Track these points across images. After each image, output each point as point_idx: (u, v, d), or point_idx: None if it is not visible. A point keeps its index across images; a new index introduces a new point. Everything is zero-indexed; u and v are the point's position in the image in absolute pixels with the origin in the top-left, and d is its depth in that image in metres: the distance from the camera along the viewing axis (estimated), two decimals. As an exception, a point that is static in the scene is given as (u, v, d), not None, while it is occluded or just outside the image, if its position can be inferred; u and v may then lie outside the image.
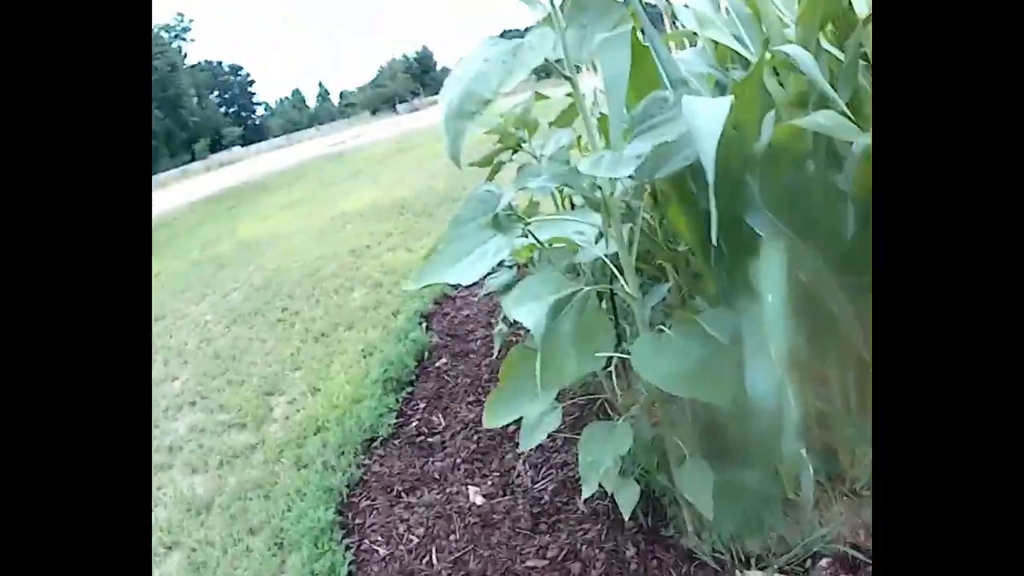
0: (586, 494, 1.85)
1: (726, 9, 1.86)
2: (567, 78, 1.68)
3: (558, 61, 1.66)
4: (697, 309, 1.93)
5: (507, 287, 2.54)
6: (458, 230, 1.81)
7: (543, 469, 2.77)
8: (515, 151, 2.85)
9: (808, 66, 1.54)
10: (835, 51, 1.82)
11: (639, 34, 1.71)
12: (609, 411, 2.73)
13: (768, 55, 1.64)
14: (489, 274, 2.48)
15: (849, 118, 1.83)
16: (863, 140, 1.50)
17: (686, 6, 2.02)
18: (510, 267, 2.68)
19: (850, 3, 1.89)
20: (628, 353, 1.71)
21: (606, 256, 1.82)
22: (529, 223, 1.88)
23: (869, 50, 1.82)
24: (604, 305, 2.30)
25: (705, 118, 1.30)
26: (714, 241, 1.34)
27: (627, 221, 1.83)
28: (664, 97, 1.62)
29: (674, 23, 2.30)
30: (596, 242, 1.89)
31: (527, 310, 1.59)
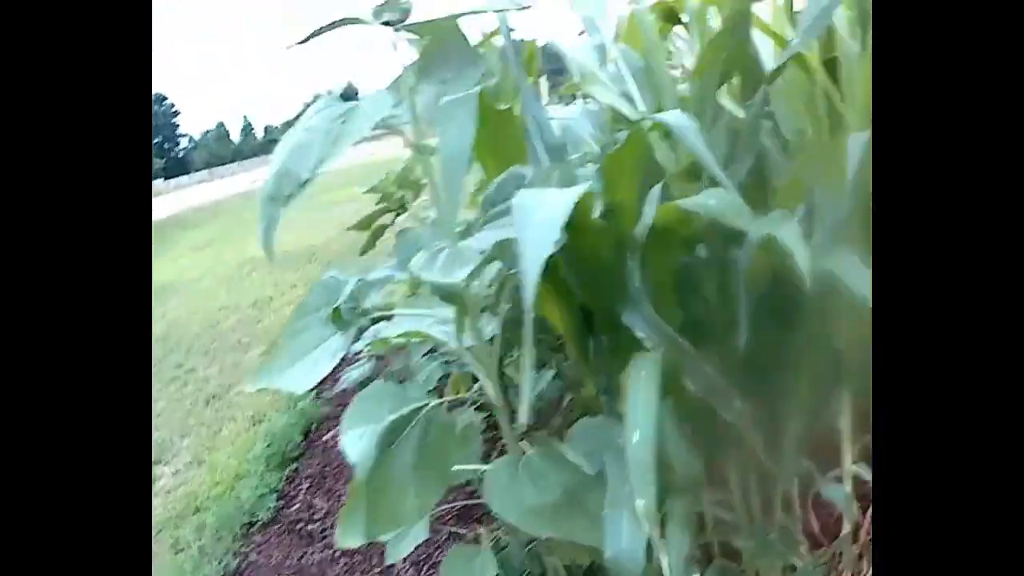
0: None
1: (615, 61, 1.62)
2: (415, 147, 1.42)
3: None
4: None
5: (363, 384, 2.26)
6: (300, 322, 1.53)
7: (424, 568, 2.51)
8: (398, 213, 2.60)
9: (689, 137, 1.29)
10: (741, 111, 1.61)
11: (489, 96, 1.45)
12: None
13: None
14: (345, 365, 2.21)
15: (751, 195, 1.62)
16: (759, 227, 1.26)
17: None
18: (369, 358, 2.40)
19: (754, 55, 1.69)
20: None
21: (468, 351, 1.57)
22: (378, 316, 1.61)
23: (777, 108, 1.62)
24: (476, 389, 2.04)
25: (532, 224, 1.05)
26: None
27: (492, 313, 1.58)
28: (521, 175, 1.37)
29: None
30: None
31: (356, 436, 1.34)
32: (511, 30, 1.69)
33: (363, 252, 2.60)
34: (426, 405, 1.41)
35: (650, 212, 1.34)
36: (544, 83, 3.12)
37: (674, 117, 1.32)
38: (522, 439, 1.54)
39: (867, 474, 1.78)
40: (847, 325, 1.59)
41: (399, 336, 1.74)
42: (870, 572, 1.89)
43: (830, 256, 1.32)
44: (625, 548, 1.22)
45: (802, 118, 1.55)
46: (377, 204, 2.46)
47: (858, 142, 1.33)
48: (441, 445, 1.40)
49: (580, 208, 1.24)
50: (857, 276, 1.25)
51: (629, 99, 1.61)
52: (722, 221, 1.31)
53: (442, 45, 1.45)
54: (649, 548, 1.29)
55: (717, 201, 1.28)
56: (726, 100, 1.75)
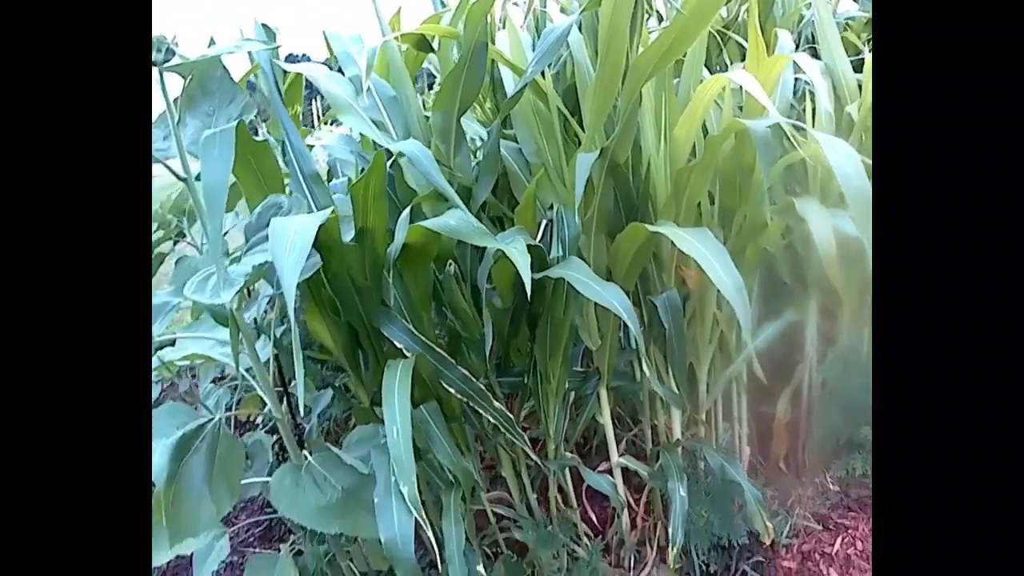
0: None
1: (367, 92, 1.90)
2: (181, 179, 1.65)
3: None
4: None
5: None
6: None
7: (232, 586, 2.70)
8: (176, 241, 2.79)
9: (423, 164, 1.60)
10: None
11: (254, 127, 1.71)
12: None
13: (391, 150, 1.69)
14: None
15: (494, 212, 1.95)
16: (492, 243, 1.56)
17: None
18: (155, 383, 2.60)
19: (497, 82, 2.01)
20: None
21: (247, 372, 1.80)
22: (162, 343, 1.84)
23: (519, 131, 1.94)
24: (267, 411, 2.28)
25: (284, 245, 1.32)
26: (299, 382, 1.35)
27: (267, 337, 1.83)
28: (279, 203, 1.63)
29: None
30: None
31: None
32: (277, 60, 1.94)
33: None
34: (211, 420, 1.64)
35: (401, 233, 1.64)
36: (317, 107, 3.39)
37: (409, 145, 1.63)
38: (303, 449, 1.79)
39: (634, 465, 2.14)
40: (590, 327, 1.95)
41: (183, 359, 1.95)
42: (651, 555, 2.25)
43: (567, 266, 1.66)
44: (397, 532, 1.50)
45: (540, 140, 1.88)
46: (154, 231, 2.63)
47: (584, 162, 1.68)
48: (230, 457, 1.63)
49: (329, 231, 1.53)
50: (590, 284, 1.59)
51: (382, 127, 1.90)
52: (461, 239, 1.62)
53: (204, 81, 1.70)
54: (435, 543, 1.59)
55: (456, 221, 1.59)
56: (476, 125, 2.09)
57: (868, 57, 2.16)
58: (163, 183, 1.92)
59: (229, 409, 2.85)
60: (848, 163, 1.46)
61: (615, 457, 2.11)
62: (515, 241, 1.54)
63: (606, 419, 2.06)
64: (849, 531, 2.33)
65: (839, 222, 1.71)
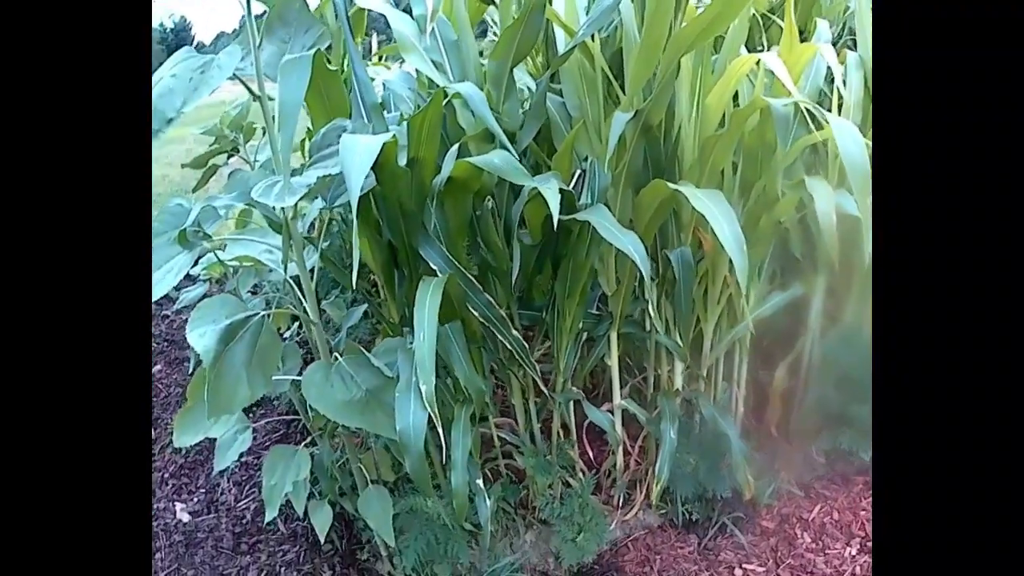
0: (269, 517, 2.07)
1: (430, 33, 2.12)
2: (256, 97, 1.89)
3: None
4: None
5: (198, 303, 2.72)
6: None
7: (247, 487, 2.96)
8: (230, 155, 3.04)
9: (477, 105, 1.83)
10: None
11: (326, 57, 1.93)
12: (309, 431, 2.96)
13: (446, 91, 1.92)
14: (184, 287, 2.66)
15: (535, 157, 2.18)
16: (532, 182, 1.78)
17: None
18: (204, 281, 2.85)
19: (550, 40, 2.23)
20: (306, 379, 1.93)
21: (291, 279, 2.05)
22: (215, 242, 2.08)
23: (565, 87, 2.16)
24: (294, 328, 2.53)
25: (353, 157, 1.55)
26: (355, 276, 1.58)
27: (314, 247, 2.07)
28: (343, 126, 1.86)
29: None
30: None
31: (200, 334, 1.78)
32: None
33: (195, 189, 3.00)
34: (257, 314, 1.88)
35: (448, 166, 1.87)
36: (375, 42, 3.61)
37: (466, 87, 1.86)
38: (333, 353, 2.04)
39: (634, 408, 2.38)
40: (608, 273, 2.18)
41: (232, 260, 2.20)
42: (640, 498, 2.49)
43: (593, 212, 1.89)
44: (411, 423, 1.75)
45: (583, 97, 2.11)
46: (211, 145, 2.88)
47: (620, 120, 1.90)
48: (269, 349, 1.87)
49: (386, 155, 1.76)
50: (612, 230, 1.82)
51: (440, 68, 2.13)
52: (503, 176, 1.84)
53: (283, 10, 1.93)
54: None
55: (500, 160, 1.82)
56: (527, 77, 2.31)
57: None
58: (219, 99, 2.14)
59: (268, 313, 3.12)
60: (853, 146, 1.68)
61: (617, 399, 2.35)
62: (549, 182, 1.76)
63: (613, 361, 2.30)
64: (828, 501, 2.57)
65: (844, 201, 1.93)
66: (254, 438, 3.06)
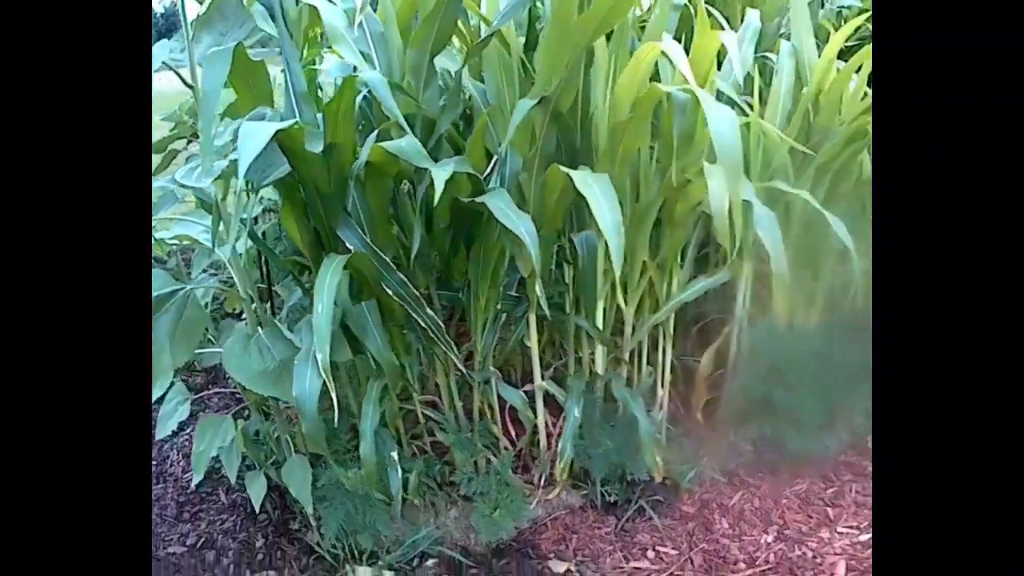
0: (195, 480, 2.22)
1: (358, 25, 2.26)
2: (189, 86, 2.05)
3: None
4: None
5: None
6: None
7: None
8: (190, 141, 3.20)
9: (381, 93, 1.96)
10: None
11: (247, 48, 2.06)
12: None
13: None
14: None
15: (453, 141, 2.31)
16: (431, 166, 1.90)
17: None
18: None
19: (476, 28, 2.37)
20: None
21: (229, 260, 2.19)
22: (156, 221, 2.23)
23: (486, 74, 2.29)
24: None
25: (246, 143, 1.68)
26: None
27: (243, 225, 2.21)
28: (263, 114, 1.99)
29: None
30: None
31: None
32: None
33: (155, 173, 3.17)
34: (183, 288, 2.03)
35: (365, 151, 2.00)
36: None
37: (372, 75, 1.99)
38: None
39: (554, 389, 2.50)
40: (525, 256, 2.30)
41: (173, 238, 2.35)
42: (563, 471, 2.60)
43: (492, 196, 2.01)
44: (307, 389, 1.90)
45: (501, 84, 2.25)
46: (170, 131, 3.04)
47: (522, 107, 2.03)
48: (194, 322, 2.01)
49: (295, 140, 1.89)
50: (508, 213, 1.95)
51: (369, 59, 2.27)
52: (408, 160, 1.97)
53: (221, 5, 2.08)
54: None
55: (406, 144, 1.94)
56: (449, 63, 2.45)
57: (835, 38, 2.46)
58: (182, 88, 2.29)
59: (217, 300, 3.28)
60: (725, 127, 1.80)
61: (538, 380, 2.48)
62: (445, 167, 1.89)
63: (533, 343, 2.42)
64: (751, 488, 2.68)
65: (745, 188, 2.05)
66: (203, 402, 3.26)
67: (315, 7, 2.12)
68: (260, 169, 2.01)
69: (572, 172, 1.94)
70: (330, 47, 2.32)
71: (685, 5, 2.45)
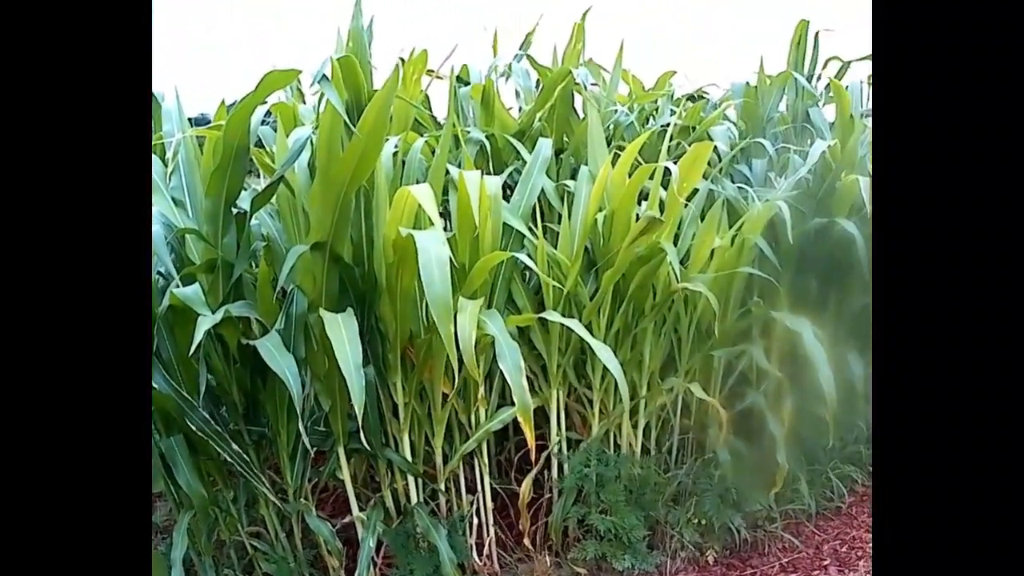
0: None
1: (172, 174, 2.50)
2: None
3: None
4: None
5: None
6: None
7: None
8: None
9: (158, 246, 2.21)
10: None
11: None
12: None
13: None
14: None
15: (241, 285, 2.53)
16: (206, 312, 2.11)
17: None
18: None
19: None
20: None
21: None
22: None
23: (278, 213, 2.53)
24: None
25: None
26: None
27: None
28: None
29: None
30: None
31: None
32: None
33: None
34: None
35: (166, 297, 2.19)
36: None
37: (157, 227, 2.22)
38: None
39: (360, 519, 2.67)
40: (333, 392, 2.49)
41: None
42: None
43: (265, 338, 2.20)
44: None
45: (291, 227, 2.49)
46: None
47: (293, 253, 2.24)
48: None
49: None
50: (274, 354, 2.13)
51: (180, 205, 2.50)
52: (191, 307, 2.17)
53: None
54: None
55: (192, 291, 2.16)
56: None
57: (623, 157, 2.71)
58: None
59: None
60: (435, 265, 2.05)
61: (355, 511, 2.64)
62: (225, 311, 2.10)
63: (345, 475, 2.60)
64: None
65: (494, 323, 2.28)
66: None
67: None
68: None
69: (324, 313, 2.16)
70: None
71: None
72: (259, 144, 2.89)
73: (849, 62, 4.28)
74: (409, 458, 2.62)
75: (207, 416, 2.32)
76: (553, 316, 2.54)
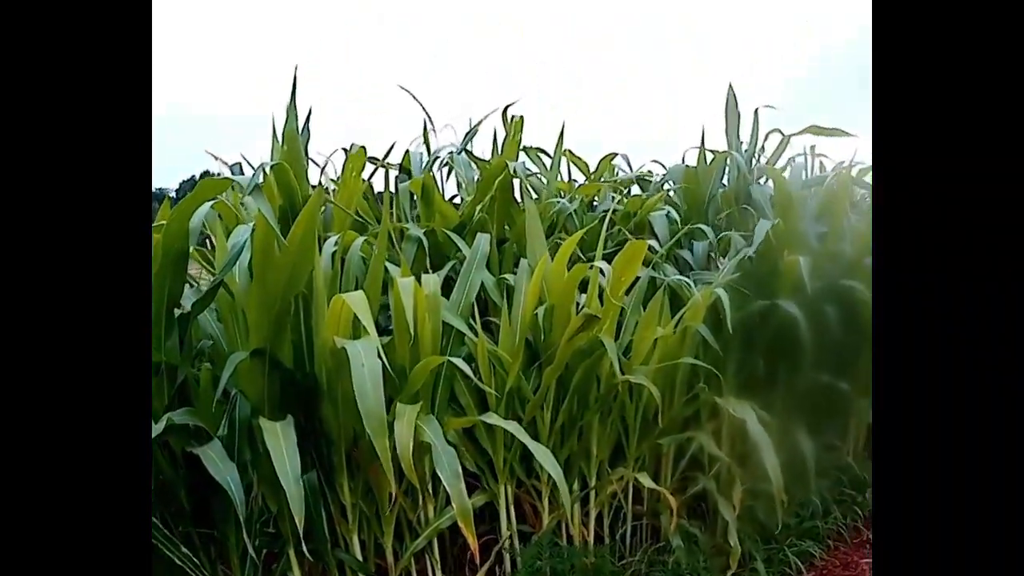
0: None
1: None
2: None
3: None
4: None
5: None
6: None
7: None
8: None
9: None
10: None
11: None
12: None
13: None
14: None
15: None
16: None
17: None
18: None
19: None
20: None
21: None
22: None
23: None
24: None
25: None
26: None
27: None
28: None
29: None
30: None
31: None
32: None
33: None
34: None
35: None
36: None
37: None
38: None
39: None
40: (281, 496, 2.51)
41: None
42: None
43: (208, 447, 2.24)
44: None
45: (233, 331, 2.54)
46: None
47: (233, 360, 2.29)
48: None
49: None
50: (217, 463, 2.17)
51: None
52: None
53: None
54: None
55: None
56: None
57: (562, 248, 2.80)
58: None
59: None
60: (367, 378, 2.14)
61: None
62: (167, 419, 2.14)
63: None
64: None
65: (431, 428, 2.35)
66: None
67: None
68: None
69: (263, 423, 2.20)
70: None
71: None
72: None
73: (789, 136, 4.29)
74: (360, 557, 2.64)
75: (155, 522, 2.34)
76: (494, 419, 2.60)
